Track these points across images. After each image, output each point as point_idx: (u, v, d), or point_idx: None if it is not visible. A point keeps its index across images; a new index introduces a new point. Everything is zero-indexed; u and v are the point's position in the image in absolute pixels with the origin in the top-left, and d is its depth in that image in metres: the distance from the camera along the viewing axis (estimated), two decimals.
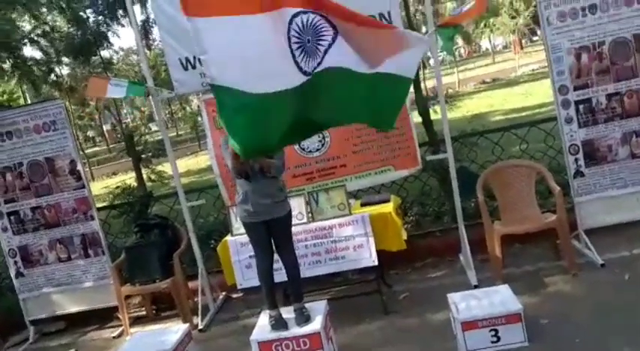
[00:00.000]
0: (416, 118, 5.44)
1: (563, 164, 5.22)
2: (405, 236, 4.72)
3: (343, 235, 4.59)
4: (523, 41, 35.15)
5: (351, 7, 4.91)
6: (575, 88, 4.83)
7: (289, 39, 3.38)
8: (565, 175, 5.13)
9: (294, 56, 3.39)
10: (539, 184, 5.08)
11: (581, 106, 4.85)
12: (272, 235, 4.00)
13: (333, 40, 3.55)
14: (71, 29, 6.66)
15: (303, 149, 5.13)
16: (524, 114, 12.91)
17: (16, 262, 5.71)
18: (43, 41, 6.69)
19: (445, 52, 5.26)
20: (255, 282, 4.52)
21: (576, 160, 4.92)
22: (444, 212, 5.98)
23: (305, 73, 3.44)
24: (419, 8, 13.34)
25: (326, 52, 3.53)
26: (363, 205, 4.90)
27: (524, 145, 5.97)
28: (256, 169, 3.86)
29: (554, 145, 5.80)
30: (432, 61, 16.56)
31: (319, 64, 3.50)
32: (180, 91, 5.17)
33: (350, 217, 4.62)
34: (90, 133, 36.11)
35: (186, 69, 4.99)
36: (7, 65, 6.71)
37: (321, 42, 3.51)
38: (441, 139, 5.18)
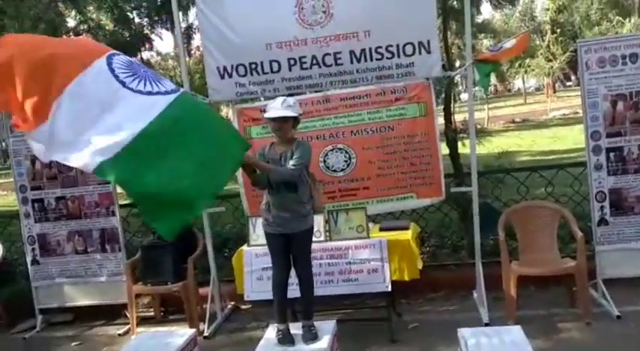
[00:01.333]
0: (444, 149, 5.42)
1: (587, 211, 5.15)
2: (420, 266, 4.68)
3: (359, 257, 4.58)
4: (556, 85, 35.06)
5: (392, 35, 4.97)
6: (608, 135, 4.79)
7: (117, 76, 3.15)
8: (588, 221, 5.06)
9: (130, 89, 3.14)
10: (562, 229, 5.02)
11: (612, 154, 4.81)
12: (290, 249, 4.00)
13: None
14: (116, 28, 6.83)
15: (328, 168, 5.14)
16: (552, 157, 12.82)
17: (33, 250, 5.77)
18: (88, 36, 6.87)
19: (479, 87, 5.23)
20: (262, 295, 4.53)
21: (602, 207, 4.86)
22: (462, 246, 5.94)
23: (166, 92, 3.20)
24: (455, 42, 13.40)
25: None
26: (381, 229, 4.89)
27: (550, 187, 5.92)
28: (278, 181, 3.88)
29: (580, 191, 5.74)
30: (463, 95, 16.59)
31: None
32: (214, 98, 5.21)
33: (367, 241, 4.61)
34: None
35: (222, 77, 5.07)
36: None
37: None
38: (467, 173, 5.15)
